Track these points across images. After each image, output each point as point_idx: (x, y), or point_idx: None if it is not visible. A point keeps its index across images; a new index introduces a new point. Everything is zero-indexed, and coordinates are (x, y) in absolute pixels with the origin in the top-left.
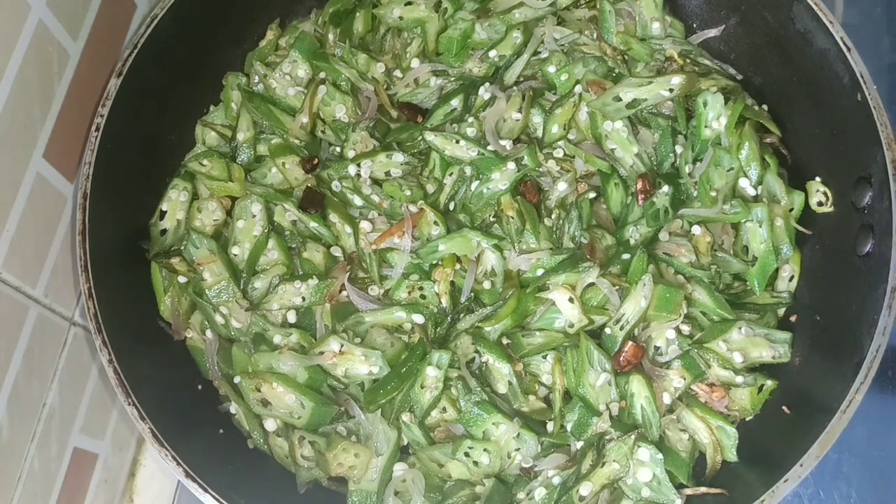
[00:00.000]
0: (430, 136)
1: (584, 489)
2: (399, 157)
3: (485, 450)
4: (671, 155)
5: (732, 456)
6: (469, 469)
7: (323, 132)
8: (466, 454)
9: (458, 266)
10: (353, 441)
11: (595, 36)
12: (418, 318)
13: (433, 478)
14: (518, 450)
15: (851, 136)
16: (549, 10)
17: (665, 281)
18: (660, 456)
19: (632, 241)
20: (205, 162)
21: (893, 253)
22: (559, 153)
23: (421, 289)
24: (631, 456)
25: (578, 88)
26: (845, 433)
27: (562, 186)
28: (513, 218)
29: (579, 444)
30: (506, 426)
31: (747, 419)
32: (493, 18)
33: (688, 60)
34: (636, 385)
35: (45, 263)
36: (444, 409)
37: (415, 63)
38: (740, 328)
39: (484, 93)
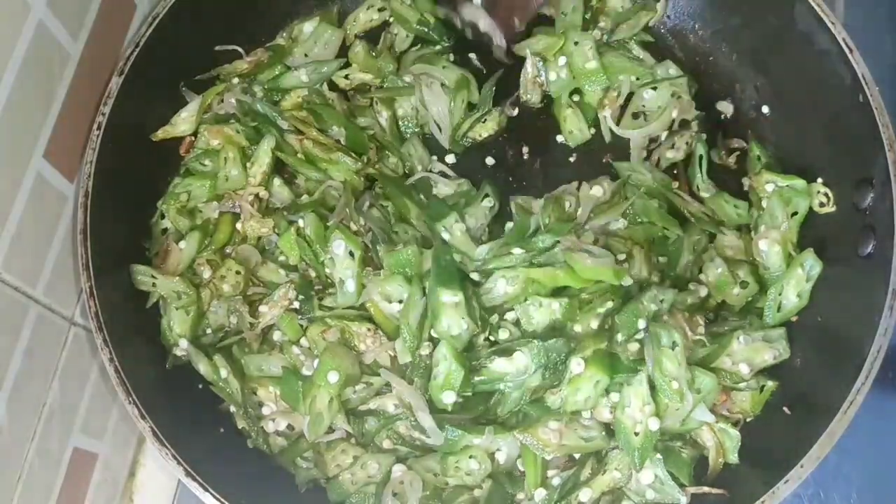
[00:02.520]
0: None
1: (584, 495)
2: None
3: (470, 457)
4: None
5: (734, 458)
6: (465, 479)
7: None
8: (456, 468)
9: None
10: (353, 443)
11: None
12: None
13: (431, 484)
14: (499, 450)
15: (853, 138)
16: None
17: None
18: (659, 456)
19: None
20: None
21: (895, 254)
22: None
23: None
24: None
25: None
26: (846, 434)
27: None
28: None
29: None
30: (479, 439)
31: (748, 420)
32: None
33: None
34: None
35: (45, 263)
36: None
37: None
38: (738, 338)
39: None
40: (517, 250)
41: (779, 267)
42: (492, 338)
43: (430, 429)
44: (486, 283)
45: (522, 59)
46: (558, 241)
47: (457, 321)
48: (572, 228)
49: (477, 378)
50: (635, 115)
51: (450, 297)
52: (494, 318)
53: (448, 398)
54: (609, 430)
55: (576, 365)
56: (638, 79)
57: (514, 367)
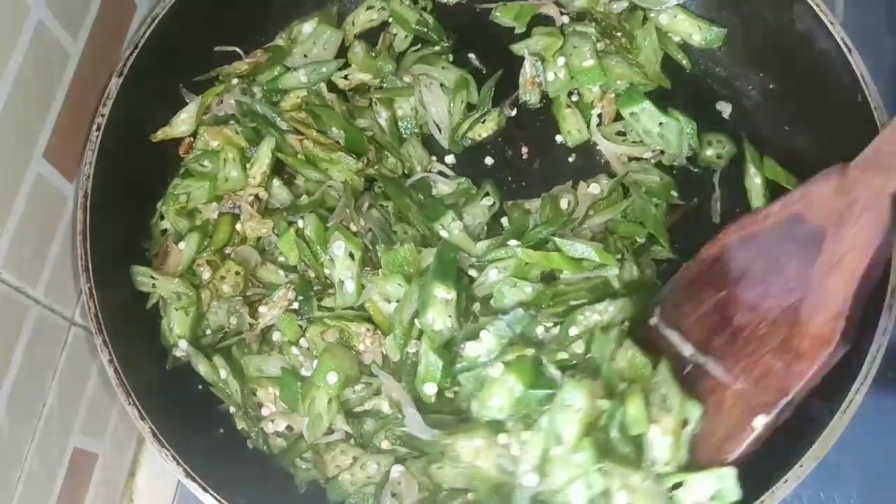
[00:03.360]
0: None
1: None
2: None
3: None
4: None
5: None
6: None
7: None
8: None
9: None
10: (352, 443)
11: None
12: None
13: (425, 488)
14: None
15: (852, 138)
16: None
17: None
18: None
19: None
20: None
21: (894, 254)
22: None
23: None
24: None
25: None
26: (845, 433)
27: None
28: None
29: None
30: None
31: None
32: None
33: None
34: None
35: (45, 263)
36: None
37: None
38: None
39: None
40: (513, 242)
41: None
42: None
43: (415, 423)
44: (479, 276)
45: (521, 59)
46: (553, 234)
47: (442, 317)
48: (567, 223)
49: (458, 366)
50: (619, 132)
51: (442, 293)
52: (476, 307)
53: (429, 389)
54: None
55: (495, 369)
56: (635, 84)
57: (484, 348)
